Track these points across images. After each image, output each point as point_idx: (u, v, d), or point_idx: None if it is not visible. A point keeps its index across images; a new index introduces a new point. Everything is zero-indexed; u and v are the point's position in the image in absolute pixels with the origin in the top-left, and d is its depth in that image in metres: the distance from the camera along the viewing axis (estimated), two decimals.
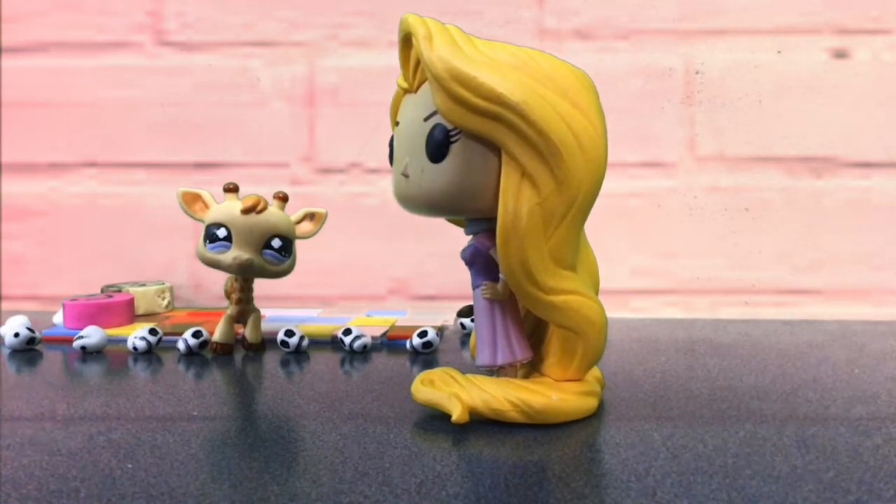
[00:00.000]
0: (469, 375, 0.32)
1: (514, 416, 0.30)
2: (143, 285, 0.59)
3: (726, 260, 0.63)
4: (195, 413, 0.32)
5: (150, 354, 0.44)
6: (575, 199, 0.28)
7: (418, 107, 0.30)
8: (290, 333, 0.45)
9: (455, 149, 0.28)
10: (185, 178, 0.65)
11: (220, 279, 0.47)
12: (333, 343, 0.48)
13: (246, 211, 0.42)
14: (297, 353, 0.45)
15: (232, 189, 0.44)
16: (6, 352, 0.45)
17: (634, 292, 0.63)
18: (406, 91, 0.31)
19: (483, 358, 0.32)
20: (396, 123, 0.32)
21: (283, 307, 0.61)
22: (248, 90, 0.64)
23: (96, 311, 0.50)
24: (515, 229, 0.28)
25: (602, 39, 0.62)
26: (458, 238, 0.34)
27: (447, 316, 0.57)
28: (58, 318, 0.53)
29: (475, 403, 0.30)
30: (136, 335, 0.45)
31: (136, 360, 0.43)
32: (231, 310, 0.45)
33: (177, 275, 0.65)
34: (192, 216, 0.44)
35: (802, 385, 0.37)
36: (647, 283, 0.63)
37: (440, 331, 0.51)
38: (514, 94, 0.27)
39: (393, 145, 0.32)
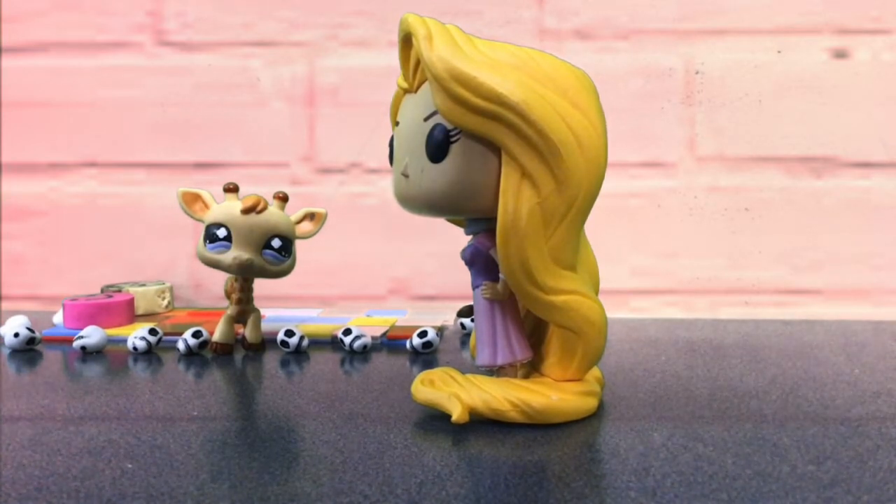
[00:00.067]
0: (469, 375, 0.32)
1: (514, 416, 0.30)
2: (143, 285, 0.59)
3: (726, 260, 0.63)
4: (195, 413, 0.32)
5: (150, 354, 0.44)
6: (575, 199, 0.28)
7: (418, 107, 0.30)
8: (290, 333, 0.45)
9: (455, 149, 0.28)
10: (185, 178, 0.65)
11: (220, 279, 0.47)
12: (333, 343, 0.48)
13: (246, 211, 0.42)
14: (297, 353, 0.45)
15: (232, 189, 0.44)
16: (6, 352, 0.45)
17: (634, 292, 0.63)
18: (406, 91, 0.31)
19: (483, 358, 0.32)
20: (396, 123, 0.32)
21: (283, 307, 0.61)
22: (248, 90, 0.64)
23: (96, 311, 0.50)
24: (515, 229, 0.28)
25: (602, 39, 0.62)
26: (458, 238, 0.34)
27: (447, 316, 0.57)
28: (58, 318, 0.53)
29: (475, 403, 0.30)
30: (136, 335, 0.45)
31: (136, 360, 0.43)
32: (231, 310, 0.45)
33: (177, 275, 0.65)
34: (192, 216, 0.44)
35: (802, 385, 0.37)
36: (647, 283, 0.63)
37: (440, 331, 0.51)
38: (514, 94, 0.27)
39: (393, 145, 0.32)
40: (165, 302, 0.59)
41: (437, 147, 0.29)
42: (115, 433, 0.29)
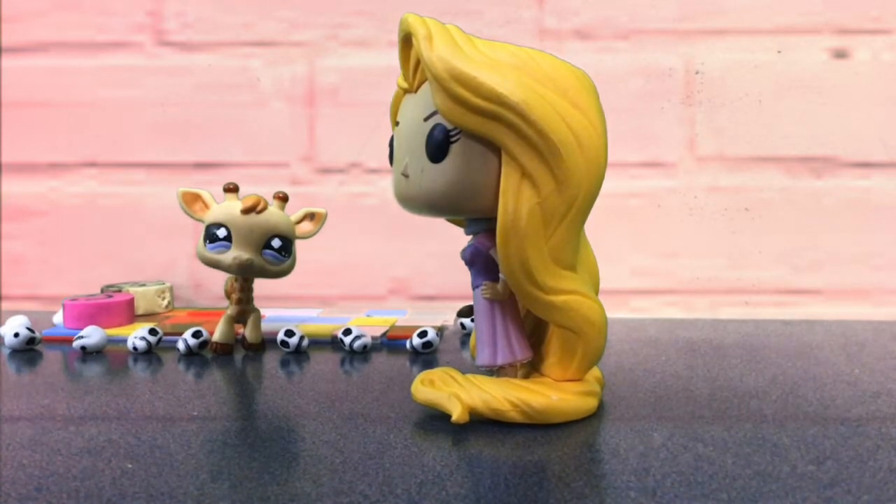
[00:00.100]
0: (469, 375, 0.32)
1: (514, 416, 0.30)
2: (143, 285, 0.59)
3: (726, 260, 0.63)
4: (195, 413, 0.32)
5: (150, 354, 0.44)
6: (575, 199, 0.28)
7: (418, 107, 0.30)
8: (290, 333, 0.45)
9: (455, 149, 0.28)
10: (185, 178, 0.65)
11: (220, 279, 0.47)
12: (333, 343, 0.48)
13: (246, 211, 0.42)
14: (297, 353, 0.45)
15: (232, 189, 0.44)
16: (6, 352, 0.45)
17: (634, 292, 0.63)
18: (406, 91, 0.31)
19: (483, 358, 0.32)
20: (396, 123, 0.32)
21: (283, 307, 0.61)
22: (248, 90, 0.64)
23: (96, 311, 0.50)
24: (515, 229, 0.28)
25: (602, 39, 0.62)
26: (458, 238, 0.34)
27: (447, 316, 0.57)
28: (58, 318, 0.53)
29: (475, 403, 0.30)
30: (136, 335, 0.45)
31: (136, 360, 0.43)
32: (231, 310, 0.45)
33: (177, 275, 0.65)
34: (192, 216, 0.44)
35: (802, 385, 0.37)
36: (647, 283, 0.63)
37: (440, 331, 0.51)
38: (514, 94, 0.27)
39: (393, 145, 0.32)
40: (165, 302, 0.59)
41: (437, 147, 0.29)
42: (115, 433, 0.29)
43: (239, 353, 0.45)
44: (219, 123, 0.65)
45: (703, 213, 0.63)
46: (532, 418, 0.30)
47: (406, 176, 0.30)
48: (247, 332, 0.45)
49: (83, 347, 0.44)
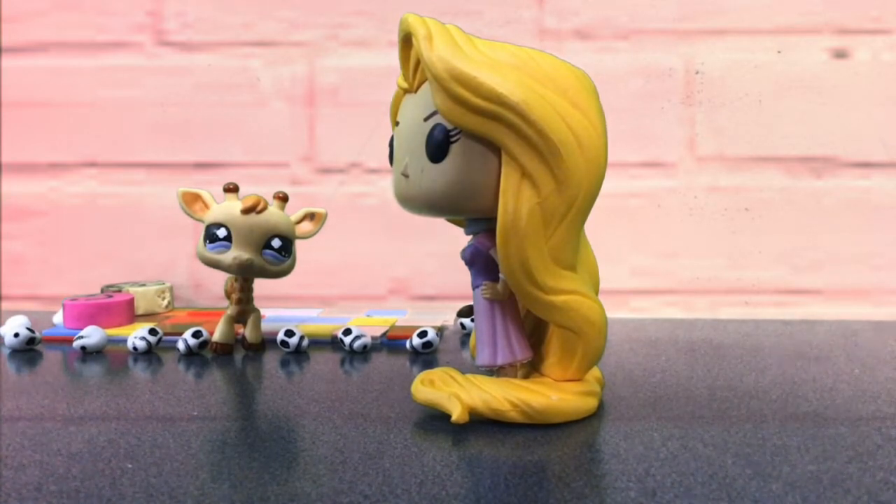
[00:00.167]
0: (469, 375, 0.32)
1: (514, 416, 0.30)
2: (143, 285, 0.59)
3: (726, 260, 0.63)
4: (195, 413, 0.32)
5: (150, 354, 0.44)
6: (575, 199, 0.28)
7: (418, 107, 0.30)
8: (290, 333, 0.45)
9: (455, 149, 0.28)
10: (185, 178, 0.65)
11: (220, 279, 0.47)
12: (333, 343, 0.48)
13: (246, 211, 0.42)
14: (297, 353, 0.45)
15: (232, 189, 0.44)
16: (6, 352, 0.45)
17: (634, 292, 0.63)
18: (406, 91, 0.31)
19: (483, 358, 0.32)
20: (396, 123, 0.32)
21: (283, 307, 0.61)
22: (248, 90, 0.64)
23: (96, 311, 0.50)
24: (515, 229, 0.28)
25: (602, 39, 0.62)
26: (458, 238, 0.34)
27: (447, 316, 0.57)
28: (58, 318, 0.53)
29: (475, 403, 0.30)
30: (136, 335, 0.45)
31: (136, 360, 0.43)
32: (231, 310, 0.45)
33: (177, 275, 0.65)
34: (192, 216, 0.44)
35: (802, 385, 0.37)
36: (647, 283, 0.63)
37: (440, 331, 0.51)
38: (514, 94, 0.27)
39: (393, 145, 0.32)
40: (165, 302, 0.59)
41: (437, 147, 0.29)
42: (115, 433, 0.29)
43: (239, 353, 0.45)
44: (219, 123, 0.65)
45: (703, 213, 0.63)
46: (532, 418, 0.30)
47: (406, 176, 0.30)
48: (247, 332, 0.45)
49: (83, 347, 0.44)
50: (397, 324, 0.53)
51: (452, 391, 0.30)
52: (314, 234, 0.46)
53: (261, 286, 0.46)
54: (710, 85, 0.62)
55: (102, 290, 0.58)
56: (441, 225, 0.36)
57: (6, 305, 0.66)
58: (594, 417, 0.31)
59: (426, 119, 0.29)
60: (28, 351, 0.46)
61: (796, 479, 0.24)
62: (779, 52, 0.61)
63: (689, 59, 0.62)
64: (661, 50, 0.62)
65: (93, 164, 0.65)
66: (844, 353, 0.44)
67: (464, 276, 0.32)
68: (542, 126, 0.27)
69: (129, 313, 0.53)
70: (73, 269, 0.66)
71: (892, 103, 0.61)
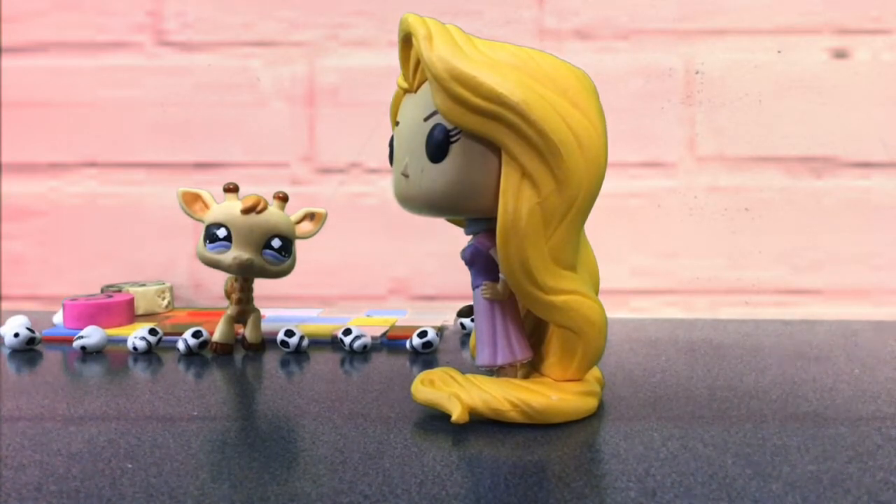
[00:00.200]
0: (469, 375, 0.32)
1: (514, 416, 0.30)
2: (143, 285, 0.59)
3: (726, 260, 0.63)
4: (195, 413, 0.32)
5: (150, 354, 0.44)
6: (575, 199, 0.28)
7: (418, 107, 0.30)
8: (290, 333, 0.45)
9: (455, 149, 0.28)
10: (185, 178, 0.65)
11: (220, 279, 0.47)
12: (333, 343, 0.48)
13: (246, 211, 0.42)
14: (297, 353, 0.45)
15: (232, 189, 0.44)
16: (6, 352, 0.45)
17: (634, 292, 0.63)
18: (406, 91, 0.31)
19: (483, 358, 0.32)
20: (396, 123, 0.32)
21: (283, 307, 0.61)
22: (248, 90, 0.64)
23: (96, 311, 0.50)
24: (515, 229, 0.28)
25: (602, 39, 0.62)
26: (458, 238, 0.34)
27: (447, 316, 0.57)
28: (58, 318, 0.53)
29: (475, 403, 0.30)
30: (136, 335, 0.45)
31: (136, 360, 0.43)
32: (231, 310, 0.45)
33: (177, 275, 0.65)
34: (192, 216, 0.44)
35: (802, 385, 0.37)
36: (647, 283, 0.63)
37: (440, 331, 0.51)
38: (514, 94, 0.27)
39: (393, 145, 0.32)
40: (165, 302, 0.59)
41: (437, 147, 0.29)
42: (115, 433, 0.29)
43: (239, 353, 0.45)
44: (219, 123, 0.65)
45: (703, 213, 0.63)
46: (532, 418, 0.30)
47: (406, 176, 0.30)
48: (247, 332, 0.45)
49: (83, 347, 0.44)
50: (397, 324, 0.53)
51: (452, 391, 0.30)
52: (314, 234, 0.46)
53: (261, 286, 0.46)
54: (710, 85, 0.62)
55: (102, 290, 0.58)
56: (441, 225, 0.36)
57: (6, 305, 0.66)
58: (594, 417, 0.31)
59: (426, 119, 0.29)
60: (28, 351, 0.46)
61: (796, 479, 0.24)
62: (779, 52, 0.61)
63: (689, 59, 0.62)
64: (661, 50, 0.62)
65: (93, 164, 0.65)
66: (844, 353, 0.44)
67: (464, 276, 0.32)
68: (542, 126, 0.27)
69: (129, 313, 0.53)
70: (73, 269, 0.66)
71: (892, 103, 0.61)
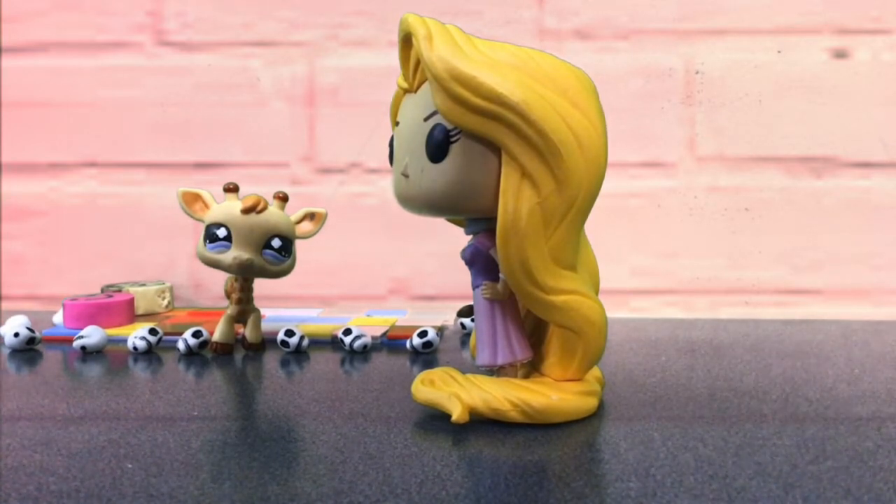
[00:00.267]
0: (469, 375, 0.32)
1: (514, 415, 0.30)
2: (143, 285, 0.59)
3: (726, 260, 0.63)
4: (195, 413, 0.32)
5: (150, 354, 0.44)
6: (575, 199, 0.28)
7: (418, 107, 0.30)
8: (290, 333, 0.45)
9: (455, 149, 0.28)
10: (185, 178, 0.65)
11: (220, 279, 0.47)
12: (333, 343, 0.48)
13: (246, 211, 0.42)
14: (297, 353, 0.45)
15: (232, 189, 0.44)
16: (6, 352, 0.45)
17: (634, 292, 0.63)
18: (406, 91, 0.31)
19: (483, 358, 0.32)
20: (396, 123, 0.32)
21: (283, 307, 0.61)
22: (248, 90, 0.64)
23: (96, 311, 0.50)
24: (515, 229, 0.28)
25: (602, 39, 0.62)
26: (458, 238, 0.34)
27: (447, 316, 0.57)
28: (58, 318, 0.53)
29: (475, 403, 0.30)
30: (136, 335, 0.45)
31: (136, 360, 0.43)
32: (231, 310, 0.45)
33: (177, 275, 0.65)
34: (192, 216, 0.44)
35: (802, 385, 0.37)
36: (647, 283, 0.63)
37: (440, 331, 0.51)
38: (514, 94, 0.27)
39: (393, 145, 0.32)
40: (165, 302, 0.59)
41: (437, 147, 0.29)
42: (115, 433, 0.29)
43: (239, 353, 0.45)
44: (219, 123, 0.65)
45: (703, 213, 0.63)
46: (532, 418, 0.30)
47: (406, 176, 0.30)
48: (247, 332, 0.45)
49: (83, 347, 0.44)
50: (397, 324, 0.53)
51: (452, 391, 0.30)
52: (314, 234, 0.46)
53: (261, 286, 0.46)
54: (710, 85, 0.62)
55: (102, 290, 0.58)
56: (441, 225, 0.36)
57: (6, 305, 0.66)
58: (594, 417, 0.31)
59: (426, 119, 0.29)
60: (28, 351, 0.46)
61: (796, 479, 0.24)
62: (779, 52, 0.61)
63: (689, 59, 0.62)
64: (661, 50, 0.62)
65: (93, 164, 0.65)
66: (844, 353, 0.44)
67: (464, 276, 0.32)
68: (542, 126, 0.27)
69: (129, 313, 0.53)
70: (73, 269, 0.66)
71: (892, 103, 0.61)
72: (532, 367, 0.33)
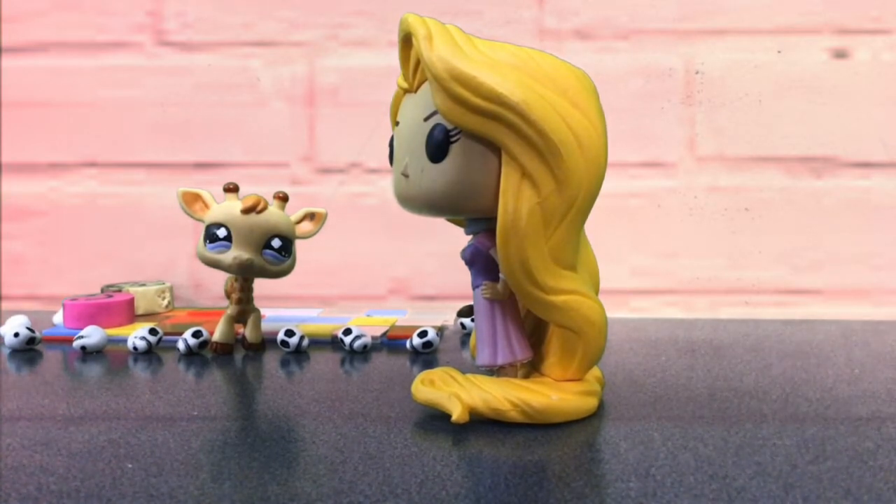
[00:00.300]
0: (469, 375, 0.32)
1: (514, 415, 0.30)
2: (143, 285, 0.59)
3: (726, 260, 0.63)
4: (195, 413, 0.32)
5: (150, 354, 0.44)
6: (575, 199, 0.28)
7: (418, 107, 0.30)
8: (290, 333, 0.45)
9: (455, 149, 0.28)
10: (185, 178, 0.65)
11: (220, 279, 0.47)
12: (333, 343, 0.48)
13: (246, 211, 0.42)
14: (297, 353, 0.45)
15: (232, 189, 0.44)
16: (6, 352, 0.45)
17: (634, 292, 0.63)
18: (406, 91, 0.31)
19: (483, 358, 0.32)
20: (396, 123, 0.32)
21: (283, 307, 0.61)
22: (248, 90, 0.64)
23: (96, 311, 0.50)
24: (515, 229, 0.28)
25: (602, 39, 0.62)
26: (458, 238, 0.34)
27: (447, 316, 0.57)
28: (58, 318, 0.53)
29: (475, 403, 0.30)
30: (136, 335, 0.45)
31: (136, 360, 0.43)
32: (231, 310, 0.45)
33: (177, 275, 0.65)
34: (192, 216, 0.44)
35: (802, 385, 0.37)
36: (647, 283, 0.63)
37: (440, 331, 0.51)
38: (514, 94, 0.27)
39: (393, 145, 0.32)
40: (165, 302, 0.59)
41: (437, 147, 0.29)
42: (115, 433, 0.29)
43: (239, 353, 0.45)
44: (219, 123, 0.65)
45: (703, 213, 0.63)
46: (532, 418, 0.30)
47: (406, 176, 0.30)
48: (247, 332, 0.45)
49: (83, 347, 0.44)
50: (397, 324, 0.53)
51: (452, 391, 0.30)
52: (314, 234, 0.46)
53: (261, 286, 0.46)
54: (710, 85, 0.62)
55: (102, 290, 0.58)
56: (441, 225, 0.36)
57: (6, 305, 0.66)
58: (594, 417, 0.31)
59: (426, 119, 0.29)
60: (28, 351, 0.46)
61: (796, 479, 0.24)
62: (779, 52, 0.61)
63: (689, 59, 0.62)
64: (661, 50, 0.62)
65: (93, 164, 0.65)
66: (844, 353, 0.44)
67: (464, 276, 0.32)
68: (542, 126, 0.27)
69: (129, 313, 0.53)
70: (73, 269, 0.66)
71: (892, 103, 0.61)
72: (532, 367, 0.33)
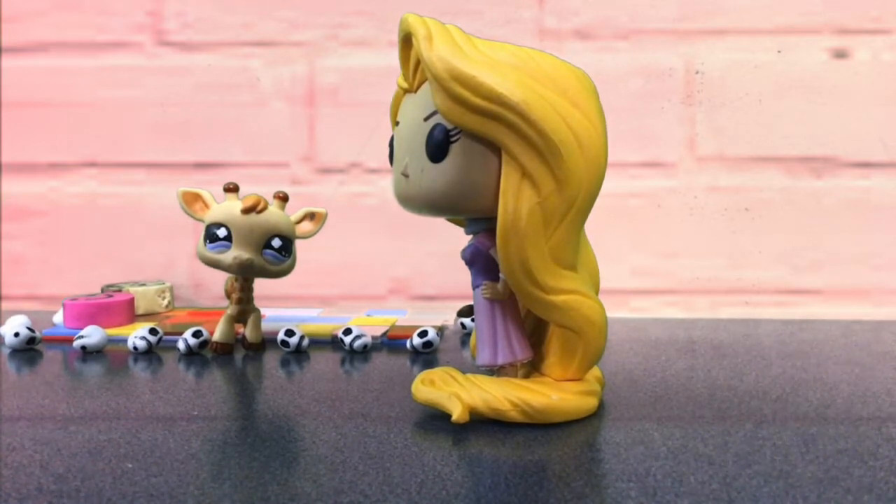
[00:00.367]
0: (469, 375, 0.32)
1: (515, 415, 0.30)
2: (143, 285, 0.59)
3: (726, 260, 0.63)
4: (195, 413, 0.32)
5: (150, 354, 0.44)
6: (575, 199, 0.28)
7: (418, 107, 0.30)
8: (290, 333, 0.45)
9: (455, 149, 0.28)
10: (185, 178, 0.65)
11: (220, 279, 0.47)
12: (333, 343, 0.48)
13: (246, 211, 0.42)
14: (297, 353, 0.45)
15: (232, 189, 0.44)
16: (6, 352, 0.45)
17: (634, 292, 0.63)
18: (406, 91, 0.31)
19: (483, 357, 0.32)
20: (396, 123, 0.32)
21: (283, 307, 0.61)
22: (248, 90, 0.64)
23: (96, 311, 0.50)
24: (515, 229, 0.28)
25: (602, 39, 0.62)
26: (458, 238, 0.34)
27: (447, 316, 0.57)
28: (58, 318, 0.53)
29: (475, 403, 0.30)
30: (136, 335, 0.45)
31: (136, 360, 0.43)
32: (231, 309, 0.45)
33: (177, 275, 0.65)
34: (192, 216, 0.44)
35: (802, 385, 0.37)
36: (647, 283, 0.63)
37: (440, 331, 0.51)
38: (514, 94, 0.27)
39: (393, 145, 0.32)
40: (165, 302, 0.59)
41: (437, 147, 0.29)
42: (115, 433, 0.29)
43: (239, 352, 0.45)
44: (219, 123, 0.65)
45: (703, 213, 0.63)
46: (532, 418, 0.30)
47: (406, 176, 0.30)
48: (247, 331, 0.46)
49: (83, 347, 0.44)
50: (397, 323, 0.53)
51: (453, 391, 0.30)
52: (314, 234, 0.46)
53: (261, 286, 0.46)
54: (710, 85, 0.62)
55: (102, 290, 0.58)
56: (441, 225, 0.36)
57: (6, 305, 0.66)
58: (594, 417, 0.31)
59: (426, 119, 0.29)
60: (28, 351, 0.46)
61: (796, 479, 0.24)
62: (779, 52, 0.61)
63: (689, 59, 0.62)
64: (661, 50, 0.62)
65: (93, 164, 0.65)
66: (844, 353, 0.44)
67: (464, 275, 0.32)
68: (542, 126, 0.27)
69: (129, 313, 0.53)
70: (73, 269, 0.66)
71: (892, 103, 0.61)
72: (532, 367, 0.33)
